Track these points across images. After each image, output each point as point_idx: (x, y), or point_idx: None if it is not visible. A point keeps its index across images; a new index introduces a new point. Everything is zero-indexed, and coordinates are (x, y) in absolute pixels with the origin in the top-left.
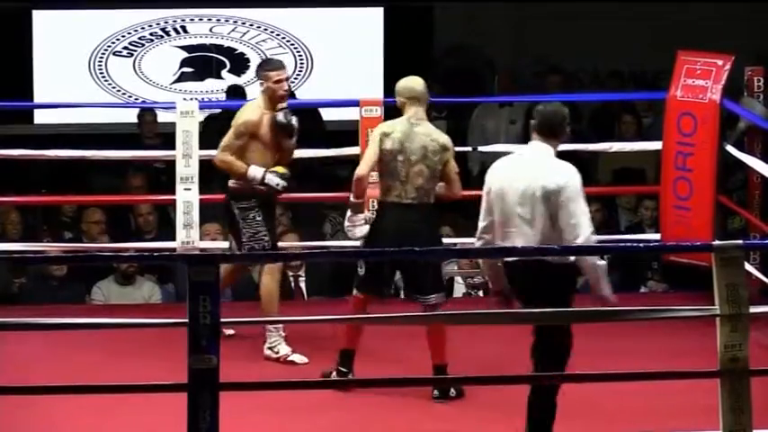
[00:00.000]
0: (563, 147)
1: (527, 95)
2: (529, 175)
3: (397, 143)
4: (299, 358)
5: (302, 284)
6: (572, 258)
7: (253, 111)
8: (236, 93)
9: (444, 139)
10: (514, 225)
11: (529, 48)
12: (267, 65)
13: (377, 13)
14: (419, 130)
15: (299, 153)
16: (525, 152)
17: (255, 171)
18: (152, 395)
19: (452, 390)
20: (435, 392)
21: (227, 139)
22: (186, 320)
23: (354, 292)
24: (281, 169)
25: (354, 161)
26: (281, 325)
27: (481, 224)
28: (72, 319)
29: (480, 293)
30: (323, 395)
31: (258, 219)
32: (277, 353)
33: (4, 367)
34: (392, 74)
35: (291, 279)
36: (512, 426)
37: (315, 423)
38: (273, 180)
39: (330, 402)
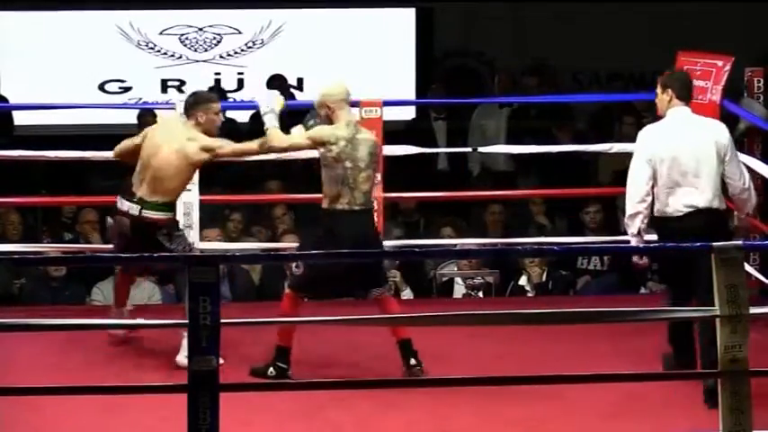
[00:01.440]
0: (565, 148)
1: (527, 96)
2: (696, 136)
3: (344, 151)
4: None
5: None
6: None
7: None
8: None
9: (374, 136)
10: (688, 184)
11: (529, 49)
12: (208, 96)
13: (378, 15)
14: (362, 137)
15: (301, 154)
16: (672, 118)
17: None
18: (152, 396)
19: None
20: (413, 362)
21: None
22: (186, 321)
23: (287, 290)
24: None
25: None
26: None
27: (645, 188)
28: (72, 319)
29: (480, 294)
30: (322, 396)
31: (181, 230)
32: None
33: (4, 368)
34: (391, 75)
35: None
36: (511, 425)
37: (314, 424)
38: None
39: (329, 403)
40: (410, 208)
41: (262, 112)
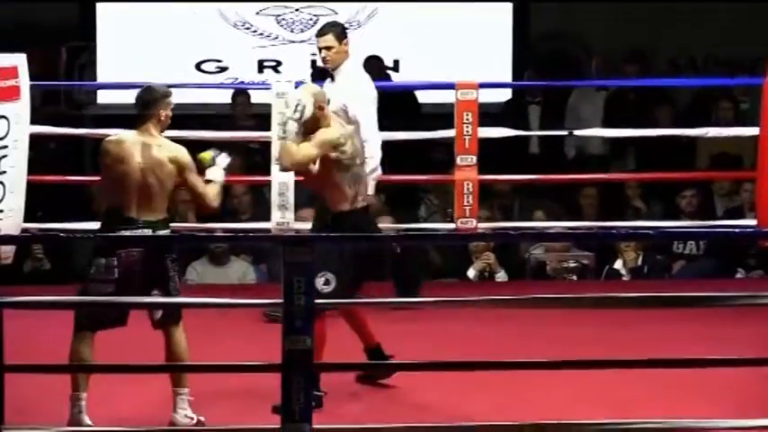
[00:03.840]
0: (661, 131)
1: (622, 79)
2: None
3: (356, 148)
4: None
5: None
6: None
7: None
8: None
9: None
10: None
11: (626, 33)
12: (165, 91)
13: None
14: (353, 130)
15: (396, 135)
16: (357, 67)
17: None
18: (244, 376)
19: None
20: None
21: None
22: (281, 301)
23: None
24: None
25: (450, 144)
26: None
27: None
28: (165, 298)
29: (574, 277)
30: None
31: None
32: (192, 418)
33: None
34: (487, 58)
35: None
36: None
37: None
38: None
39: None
40: (504, 190)
41: (287, 117)
